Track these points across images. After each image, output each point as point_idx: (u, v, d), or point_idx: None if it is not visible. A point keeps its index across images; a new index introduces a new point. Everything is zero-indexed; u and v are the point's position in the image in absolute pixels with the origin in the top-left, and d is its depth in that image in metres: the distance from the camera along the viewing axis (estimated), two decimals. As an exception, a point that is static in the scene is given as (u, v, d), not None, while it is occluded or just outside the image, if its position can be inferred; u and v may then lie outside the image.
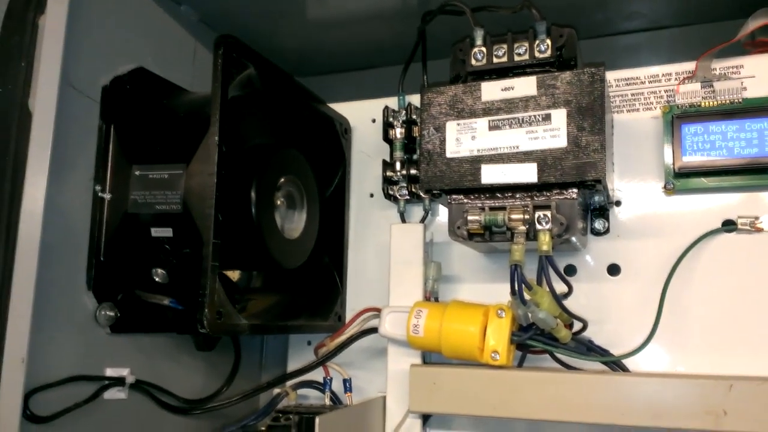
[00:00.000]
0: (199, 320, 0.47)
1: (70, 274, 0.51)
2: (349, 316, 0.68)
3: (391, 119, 0.67)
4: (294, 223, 0.62)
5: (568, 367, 0.56)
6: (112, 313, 0.53)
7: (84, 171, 0.53)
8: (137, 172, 0.54)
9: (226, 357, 0.65)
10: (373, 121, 0.72)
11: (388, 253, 0.63)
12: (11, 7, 0.51)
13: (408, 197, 0.67)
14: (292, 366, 0.70)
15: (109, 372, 0.53)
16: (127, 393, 0.55)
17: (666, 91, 0.61)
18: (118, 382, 0.53)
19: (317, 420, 0.48)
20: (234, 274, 0.61)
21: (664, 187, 0.59)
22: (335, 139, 0.70)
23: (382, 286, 0.64)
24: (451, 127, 0.55)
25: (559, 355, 0.56)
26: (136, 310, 0.54)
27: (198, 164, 0.50)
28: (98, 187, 0.53)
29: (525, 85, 0.53)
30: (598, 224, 0.61)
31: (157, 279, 0.54)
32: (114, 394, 0.54)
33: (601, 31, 0.73)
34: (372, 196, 0.72)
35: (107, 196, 0.53)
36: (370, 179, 0.71)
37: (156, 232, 0.52)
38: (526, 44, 0.54)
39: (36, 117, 0.47)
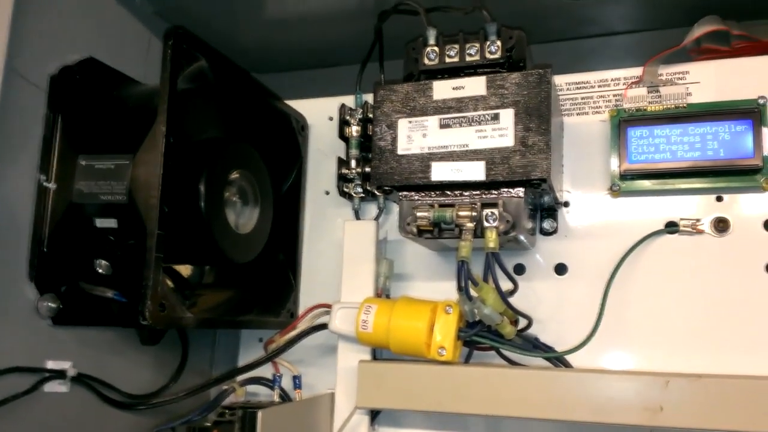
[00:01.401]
0: (141, 312, 0.46)
1: (11, 264, 0.50)
2: (300, 312, 0.67)
3: (347, 117, 0.67)
4: (246, 219, 0.62)
5: (513, 364, 0.57)
6: (54, 305, 0.52)
7: (29, 160, 0.52)
8: (83, 162, 0.53)
9: (174, 352, 0.65)
10: (330, 119, 0.72)
11: (340, 250, 0.63)
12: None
13: (363, 195, 0.67)
14: (243, 363, 0.70)
15: (51, 365, 0.52)
16: (68, 386, 0.53)
17: (614, 95, 0.62)
18: (59, 375, 0.52)
19: (259, 414, 0.48)
20: (185, 270, 0.61)
21: (610, 189, 0.60)
22: (291, 135, 0.70)
23: (336, 283, 0.64)
24: (403, 125, 0.55)
25: (504, 352, 0.57)
26: (79, 302, 0.53)
27: (144, 154, 0.50)
28: (43, 177, 0.52)
29: (475, 85, 0.54)
30: (547, 224, 0.62)
31: (100, 270, 0.53)
32: (54, 387, 0.52)
33: (554, 37, 0.74)
34: (328, 193, 0.72)
35: (52, 185, 0.52)
36: (326, 177, 0.71)
37: (100, 222, 0.52)
38: (478, 45, 0.55)
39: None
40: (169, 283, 0.56)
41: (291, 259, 0.69)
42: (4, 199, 0.50)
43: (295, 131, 0.71)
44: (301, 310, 0.69)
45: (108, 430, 0.57)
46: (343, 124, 0.67)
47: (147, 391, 0.61)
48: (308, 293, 0.70)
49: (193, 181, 0.53)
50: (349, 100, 0.68)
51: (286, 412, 0.54)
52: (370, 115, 0.66)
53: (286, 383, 0.64)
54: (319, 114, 0.73)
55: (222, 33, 0.72)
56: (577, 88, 0.64)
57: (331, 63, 0.81)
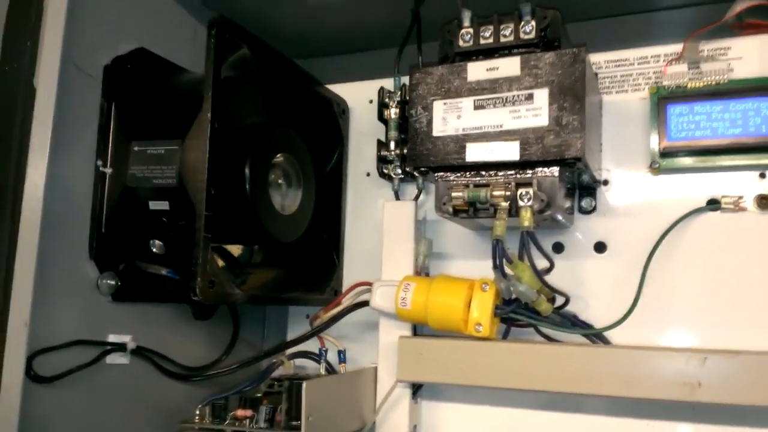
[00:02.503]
0: (192, 289, 0.49)
1: (73, 244, 0.54)
2: (344, 290, 0.70)
3: (386, 100, 0.69)
4: (290, 200, 0.65)
5: (552, 341, 0.58)
6: (113, 282, 0.56)
7: (86, 146, 0.55)
8: (136, 148, 0.56)
9: (226, 327, 0.68)
10: (371, 101, 0.74)
11: (381, 230, 0.65)
12: (17, -11, 0.54)
13: (402, 176, 0.68)
14: (292, 337, 0.73)
15: (112, 338, 0.56)
16: (128, 358, 0.58)
17: (654, 72, 0.62)
18: (120, 347, 0.56)
19: (304, 385, 0.50)
20: (235, 249, 0.64)
21: (650, 166, 0.60)
22: (332, 119, 0.72)
23: (377, 262, 0.65)
24: (438, 107, 0.56)
25: (542, 329, 0.58)
26: (136, 279, 0.57)
27: (192, 140, 0.53)
28: (100, 162, 0.56)
29: (509, 66, 0.54)
30: (585, 203, 0.63)
31: (154, 250, 0.56)
32: (116, 359, 0.57)
33: (592, 15, 0.73)
34: (368, 174, 0.74)
35: (108, 170, 0.56)
36: (367, 158, 0.73)
37: (154, 205, 0.55)
38: (512, 25, 0.55)
39: (39, 93, 0.50)
40: (220, 261, 0.59)
41: (334, 238, 0.72)
42: (65, 183, 0.53)
43: (336, 115, 0.72)
44: (344, 288, 0.71)
45: (165, 399, 0.61)
46: (382, 106, 0.69)
47: (201, 363, 0.65)
48: (351, 271, 0.72)
49: (239, 165, 0.56)
50: (388, 83, 0.69)
51: (329, 384, 0.57)
52: (408, 95, 0.67)
53: (332, 357, 0.66)
54: (360, 97, 0.75)
55: (265, 20, 0.74)
56: (616, 66, 0.63)
57: (370, 47, 0.82)
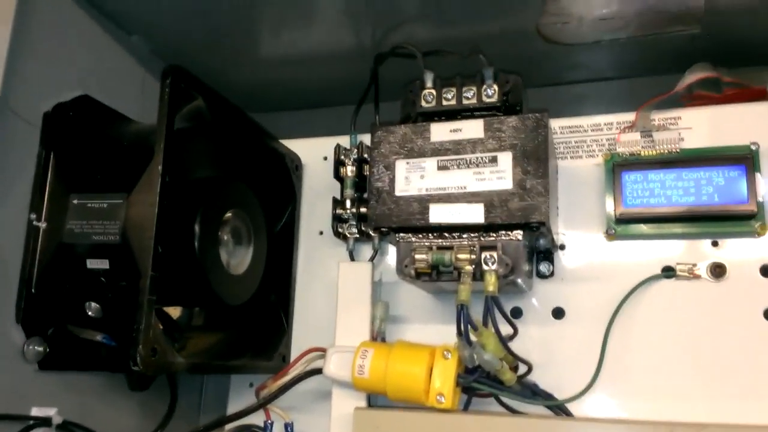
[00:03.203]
0: (132, 357, 0.45)
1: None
2: (294, 356, 0.66)
3: (342, 157, 0.67)
4: (240, 259, 0.61)
5: (513, 411, 0.56)
6: (41, 349, 0.50)
7: (19, 198, 0.51)
8: (75, 201, 0.52)
9: (161, 398, 0.63)
10: (325, 158, 0.72)
11: (336, 292, 0.62)
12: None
13: (357, 236, 0.66)
14: (233, 409, 0.68)
15: (35, 411, 0.50)
16: (52, 435, 0.51)
17: (608, 139, 0.63)
18: (44, 422, 0.50)
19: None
20: (174, 311, 0.59)
21: (606, 232, 0.60)
22: (286, 175, 0.70)
23: (329, 326, 0.62)
24: (401, 166, 0.55)
25: (504, 399, 0.56)
26: (66, 345, 0.52)
27: (140, 194, 0.49)
28: (33, 216, 0.51)
29: (473, 128, 0.54)
30: (544, 267, 0.62)
31: (90, 313, 0.51)
32: (38, 435, 0.50)
33: (547, 81, 0.75)
34: (321, 233, 0.71)
35: (42, 224, 0.51)
36: (320, 217, 0.71)
37: (92, 263, 0.50)
38: (474, 88, 0.55)
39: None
40: (159, 325, 0.54)
41: (283, 300, 0.68)
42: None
43: (289, 170, 0.70)
44: (293, 354, 0.67)
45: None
46: (339, 164, 0.67)
47: (133, 438, 0.59)
48: (300, 336, 0.68)
49: (188, 221, 0.52)
50: (344, 141, 0.68)
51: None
52: (366, 156, 0.66)
53: (277, 430, 0.62)
54: (314, 154, 0.73)
55: (218, 72, 0.72)
56: (571, 132, 0.64)
57: (325, 103, 0.81)
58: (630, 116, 0.62)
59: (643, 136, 0.61)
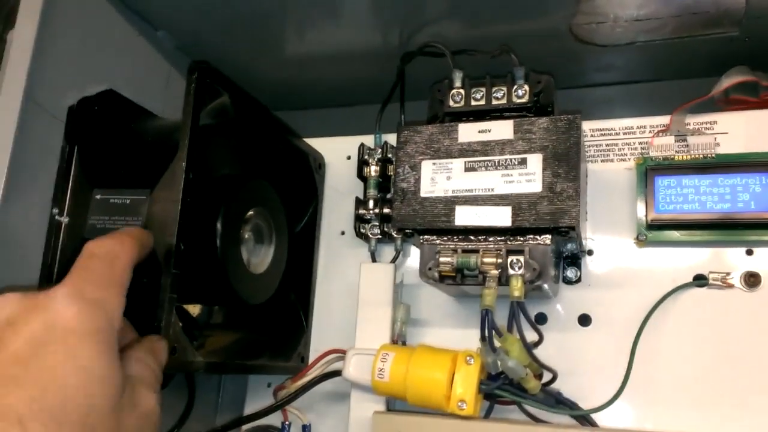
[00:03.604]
0: (153, 355, 0.44)
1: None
2: (312, 357, 0.65)
3: (366, 157, 0.66)
4: (261, 258, 0.60)
5: (536, 420, 0.55)
6: (60, 344, 0.50)
7: (42, 192, 0.51)
8: (98, 196, 0.51)
9: (179, 397, 0.62)
10: (348, 158, 0.71)
11: (356, 293, 0.62)
12: (-21, 21, 0.50)
13: (380, 236, 0.65)
14: (250, 409, 0.67)
15: (52, 407, 0.50)
16: (69, 430, 0.51)
17: (640, 143, 0.61)
18: (61, 418, 0.50)
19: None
20: (194, 309, 0.59)
21: (636, 238, 0.59)
22: (308, 173, 0.69)
23: (348, 327, 0.62)
24: (427, 167, 0.54)
25: (527, 407, 0.54)
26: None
27: (163, 191, 0.49)
28: (56, 210, 0.51)
29: (502, 129, 0.53)
30: (570, 273, 0.60)
31: (110, 309, 0.51)
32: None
33: (577, 83, 0.73)
34: (343, 233, 0.70)
35: (65, 219, 0.51)
36: (342, 216, 0.70)
37: (113, 259, 0.50)
38: (504, 88, 0.54)
39: (-5, 133, 0.45)
40: (179, 323, 0.54)
41: (303, 300, 0.67)
42: (16, 232, 0.48)
43: (312, 169, 0.69)
44: (312, 355, 0.66)
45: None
46: (362, 163, 0.66)
47: (153, 436, 0.58)
48: (319, 337, 0.68)
49: (210, 219, 0.52)
50: (368, 140, 0.67)
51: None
52: (390, 156, 0.65)
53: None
54: (337, 153, 0.72)
55: (243, 69, 0.72)
56: (602, 135, 0.63)
57: (350, 102, 0.80)
58: (664, 120, 0.60)
59: (677, 140, 0.59)
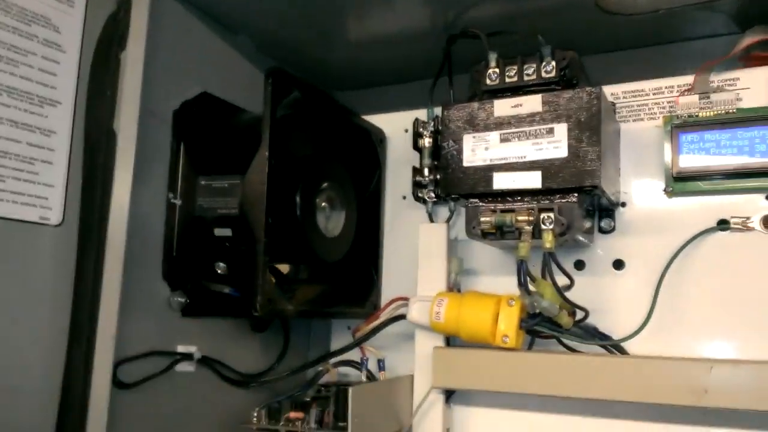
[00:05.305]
0: (253, 305, 0.57)
1: (148, 266, 0.62)
2: (383, 304, 0.76)
3: (420, 129, 0.75)
4: (334, 223, 0.72)
5: (572, 351, 0.64)
6: (182, 300, 0.64)
7: (159, 181, 0.63)
8: (202, 182, 0.64)
9: (277, 338, 0.75)
10: (406, 131, 0.81)
11: (416, 249, 0.72)
12: (98, 45, 0.62)
13: (435, 199, 0.75)
14: (335, 347, 0.80)
15: (180, 349, 0.64)
16: (194, 367, 0.65)
17: (668, 102, 0.67)
18: (188, 357, 0.64)
19: (350, 390, 0.57)
20: (284, 267, 0.71)
21: (664, 189, 0.65)
22: (371, 148, 0.79)
23: (411, 278, 0.72)
24: (468, 140, 0.63)
25: (564, 340, 0.64)
26: (202, 297, 0.65)
27: (252, 175, 0.60)
28: (170, 195, 0.64)
29: (532, 103, 0.60)
30: (605, 223, 0.68)
31: (219, 271, 0.64)
32: (184, 367, 0.64)
33: (606, 48, 0.78)
34: (404, 198, 0.80)
35: (178, 201, 0.64)
36: (403, 183, 0.80)
37: (218, 231, 0.63)
38: (534, 65, 0.62)
39: (121, 137, 0.58)
40: (272, 279, 0.66)
41: (373, 257, 0.79)
42: (141, 213, 0.61)
43: (374, 143, 0.79)
44: (382, 302, 0.78)
45: (224, 403, 0.69)
46: (417, 136, 0.75)
47: (256, 371, 0.72)
48: (388, 287, 0.79)
49: (291, 194, 0.63)
50: (422, 114, 0.76)
51: (372, 390, 0.64)
52: (441, 128, 0.74)
53: (372, 366, 0.73)
54: (396, 127, 0.82)
55: (312, 56, 0.82)
56: (633, 97, 0.69)
57: (405, 79, 0.89)
58: (689, 79, 0.66)
59: (701, 98, 0.64)
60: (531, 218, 0.58)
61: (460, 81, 0.74)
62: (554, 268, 0.59)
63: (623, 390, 0.57)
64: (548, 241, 0.58)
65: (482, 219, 0.60)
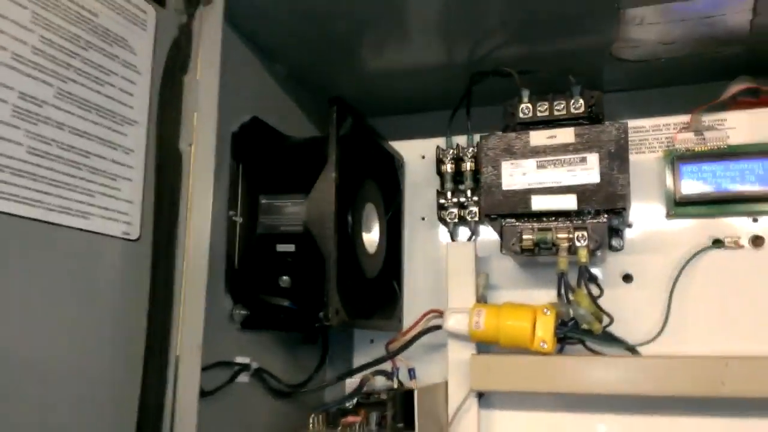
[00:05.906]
0: (325, 316, 0.61)
1: (213, 281, 0.64)
2: (405, 318, 0.82)
3: (441, 156, 0.82)
4: (371, 240, 0.77)
5: (596, 353, 0.72)
6: (244, 312, 0.66)
7: (221, 200, 0.66)
8: (263, 201, 0.67)
9: (313, 350, 0.79)
10: (423, 157, 0.88)
11: (434, 266, 0.79)
12: (165, 70, 0.65)
13: (456, 220, 0.82)
14: (358, 359, 0.84)
15: (238, 360, 0.66)
16: (248, 378, 0.68)
17: (666, 137, 0.77)
18: (246, 368, 0.66)
19: (416, 392, 0.62)
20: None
21: (667, 213, 0.75)
22: (394, 171, 0.85)
23: (429, 293, 0.79)
24: (506, 166, 0.70)
25: (589, 345, 0.71)
26: (261, 310, 0.68)
27: (317, 193, 0.64)
28: (232, 212, 0.67)
29: (565, 134, 0.69)
30: (615, 242, 0.77)
31: (282, 285, 0.67)
32: (241, 377, 0.66)
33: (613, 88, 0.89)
34: (423, 219, 0.87)
35: (239, 219, 0.67)
36: (421, 205, 0.86)
37: (281, 248, 0.66)
38: (564, 102, 0.70)
39: (198, 157, 0.61)
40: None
41: (396, 273, 0.84)
42: (206, 230, 0.64)
43: (396, 168, 0.85)
44: (404, 316, 0.83)
45: (270, 413, 0.71)
46: (439, 162, 0.82)
47: (297, 381, 0.75)
48: (408, 301, 0.85)
49: (344, 213, 0.68)
50: (438, 141, 0.83)
51: (428, 393, 0.69)
52: (461, 155, 0.81)
53: (402, 376, 0.78)
54: (413, 153, 0.88)
55: (333, 85, 0.87)
56: (634, 132, 0.78)
57: (420, 109, 0.95)
58: (684, 119, 0.76)
59: (696, 135, 0.75)
60: (570, 235, 0.66)
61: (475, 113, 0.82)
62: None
63: (652, 385, 0.65)
64: (583, 256, 0.66)
65: (524, 236, 0.67)
